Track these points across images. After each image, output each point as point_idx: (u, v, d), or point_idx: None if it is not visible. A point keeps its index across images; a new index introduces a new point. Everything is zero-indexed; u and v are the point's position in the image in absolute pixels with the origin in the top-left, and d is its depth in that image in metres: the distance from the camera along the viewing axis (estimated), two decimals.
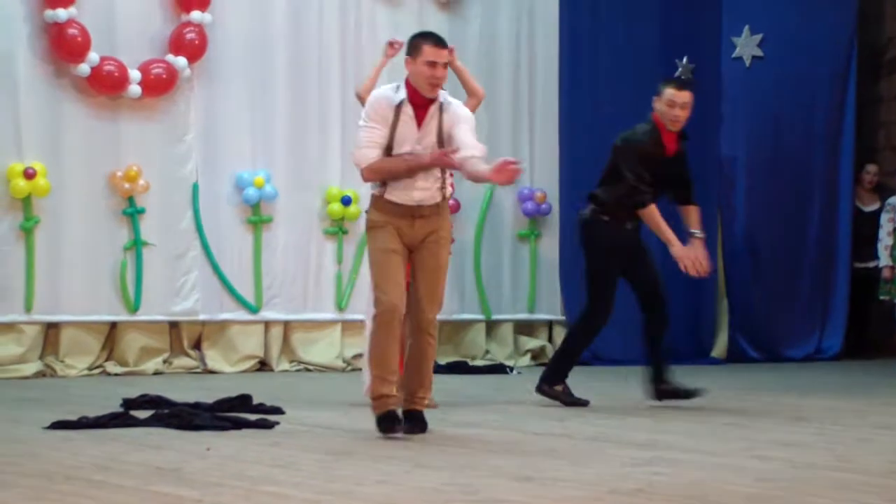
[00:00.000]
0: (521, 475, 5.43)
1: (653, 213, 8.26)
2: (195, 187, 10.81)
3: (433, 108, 6.74)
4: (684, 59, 12.51)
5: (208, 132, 10.91)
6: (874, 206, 13.23)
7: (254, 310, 11.06)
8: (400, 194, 6.73)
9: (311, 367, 11.20)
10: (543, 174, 12.22)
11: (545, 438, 6.79)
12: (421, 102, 6.74)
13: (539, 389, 8.45)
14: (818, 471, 5.71)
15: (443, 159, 6.63)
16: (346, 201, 11.28)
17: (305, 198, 11.28)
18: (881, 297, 12.86)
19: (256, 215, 11.06)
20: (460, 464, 5.77)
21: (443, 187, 6.81)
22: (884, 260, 12.75)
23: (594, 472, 5.57)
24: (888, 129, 14.47)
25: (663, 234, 8.25)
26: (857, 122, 13.21)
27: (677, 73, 12.47)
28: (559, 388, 8.43)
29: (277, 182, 11.10)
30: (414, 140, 6.72)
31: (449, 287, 11.65)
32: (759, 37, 12.77)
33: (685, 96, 8.35)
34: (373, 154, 6.71)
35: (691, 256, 8.22)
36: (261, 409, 7.72)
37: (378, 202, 6.79)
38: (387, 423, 6.63)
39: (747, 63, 12.73)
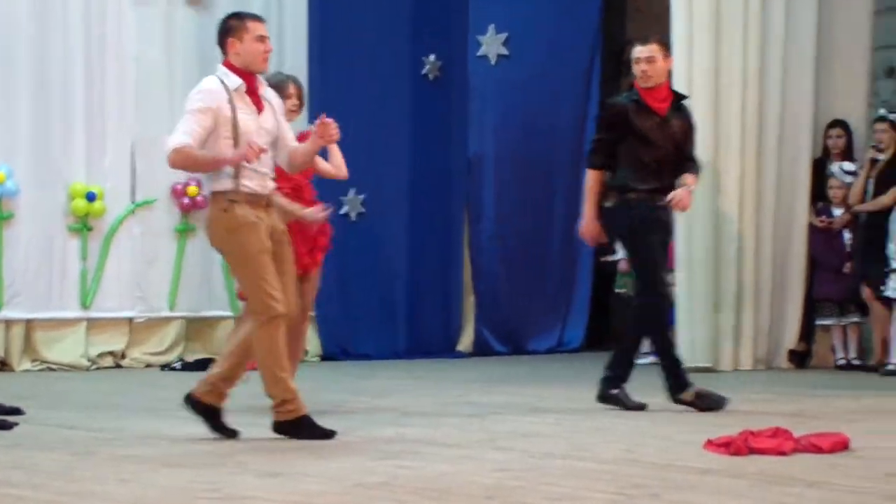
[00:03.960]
0: (267, 471, 5.46)
1: (590, 177, 7.90)
2: None
3: (262, 91, 6.50)
4: (431, 57, 12.68)
5: None
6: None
7: None
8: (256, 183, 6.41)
9: (54, 367, 10.98)
10: None
11: None
12: (254, 86, 6.45)
13: (675, 399, 7.82)
14: (555, 460, 5.88)
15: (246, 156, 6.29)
16: (90, 197, 11.10)
17: (49, 194, 11.04)
18: (617, 290, 13.17)
19: None
20: (206, 462, 5.76)
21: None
22: (621, 253, 13.04)
23: (340, 466, 5.63)
24: None
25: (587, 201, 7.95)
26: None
27: (424, 71, 12.64)
28: (689, 394, 7.77)
29: (20, 178, 10.84)
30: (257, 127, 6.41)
31: (198, 283, 11.68)
32: (504, 35, 12.99)
33: (645, 50, 7.80)
34: (185, 140, 6.29)
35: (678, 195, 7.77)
36: None
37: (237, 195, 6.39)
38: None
39: (493, 61, 12.96)
